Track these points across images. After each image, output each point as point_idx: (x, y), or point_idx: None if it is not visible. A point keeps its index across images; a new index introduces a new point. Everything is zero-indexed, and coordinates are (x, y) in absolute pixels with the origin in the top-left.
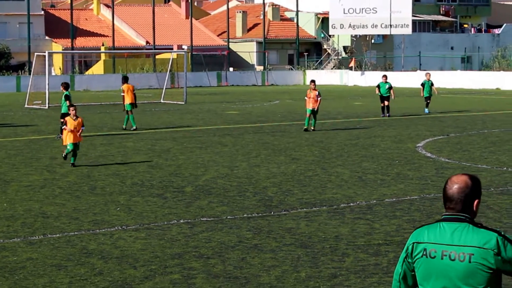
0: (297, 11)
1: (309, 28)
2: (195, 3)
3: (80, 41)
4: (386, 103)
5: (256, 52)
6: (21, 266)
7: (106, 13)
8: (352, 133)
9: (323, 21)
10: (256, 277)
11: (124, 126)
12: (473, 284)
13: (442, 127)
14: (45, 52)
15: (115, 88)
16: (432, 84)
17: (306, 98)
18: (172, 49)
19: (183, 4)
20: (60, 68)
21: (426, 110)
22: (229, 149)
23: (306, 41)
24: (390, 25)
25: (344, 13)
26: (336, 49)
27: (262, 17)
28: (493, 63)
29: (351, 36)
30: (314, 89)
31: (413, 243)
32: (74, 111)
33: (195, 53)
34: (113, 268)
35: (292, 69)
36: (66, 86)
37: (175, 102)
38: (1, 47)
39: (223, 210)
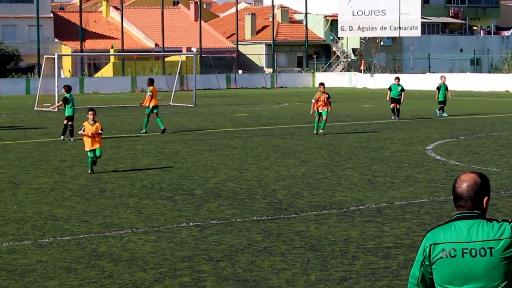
0: (306, 13)
1: (318, 30)
2: (204, 6)
3: (89, 44)
4: (397, 106)
5: (265, 54)
6: (31, 268)
7: (115, 15)
8: (361, 136)
9: (332, 23)
10: (266, 280)
11: (144, 130)
12: (496, 277)
13: (451, 129)
14: (54, 55)
15: (124, 91)
16: (446, 88)
17: (313, 101)
18: (181, 51)
19: (192, 6)
20: (69, 71)
21: (442, 113)
22: (238, 152)
23: (315, 43)
24: (399, 27)
25: (353, 15)
26: (345, 51)
27: (271, 19)
28: (503, 66)
29: (360, 38)
30: (324, 92)
31: (431, 244)
32: (92, 115)
33: (204, 55)
34: (123, 271)
35: (301, 72)
36: (67, 88)
37: (184, 105)
38: (11, 50)
39: (232, 212)
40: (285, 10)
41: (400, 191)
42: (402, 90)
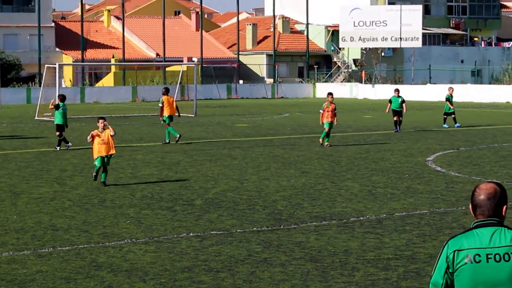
0: (307, 24)
1: (319, 40)
2: (205, 16)
3: (91, 53)
4: (399, 118)
5: (266, 64)
6: (31, 278)
7: (116, 25)
8: (362, 147)
9: (333, 33)
10: None
11: (167, 140)
12: None
13: (452, 141)
14: (55, 64)
15: (125, 100)
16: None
17: (321, 111)
18: (182, 61)
19: (193, 16)
20: (70, 80)
21: (457, 125)
22: (239, 162)
23: (316, 53)
24: (400, 38)
25: (354, 26)
26: (346, 62)
27: (272, 29)
28: (503, 77)
29: (361, 49)
30: (332, 102)
31: (454, 251)
32: (102, 123)
33: (205, 65)
34: (122, 281)
35: (302, 82)
36: (62, 98)
37: (185, 115)
38: (12, 59)
39: (232, 223)
40: (286, 20)
41: (400, 202)
42: (403, 101)
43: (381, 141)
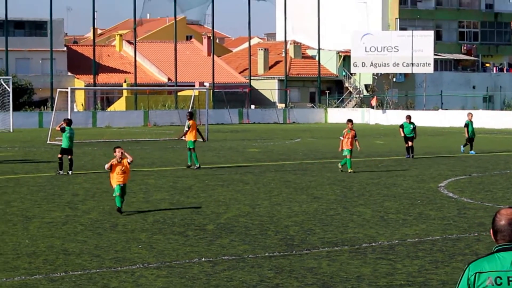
0: (319, 49)
1: (330, 66)
2: (217, 40)
3: (102, 78)
4: (410, 143)
5: (278, 89)
6: None
7: (128, 49)
8: (374, 172)
9: (345, 59)
10: None
11: (188, 164)
12: None
13: (464, 167)
14: (67, 88)
15: (136, 125)
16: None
17: (341, 138)
18: (193, 86)
19: (205, 41)
20: (82, 104)
21: (463, 150)
22: (250, 187)
23: (328, 79)
24: (412, 64)
25: (365, 51)
26: (358, 87)
27: (283, 54)
28: None
29: (373, 74)
30: (352, 129)
31: (476, 273)
32: (120, 153)
33: (217, 90)
34: None
35: (313, 107)
36: (68, 122)
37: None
38: (24, 83)
39: (244, 248)
40: (297, 45)
41: (412, 228)
42: (414, 127)
43: (393, 166)
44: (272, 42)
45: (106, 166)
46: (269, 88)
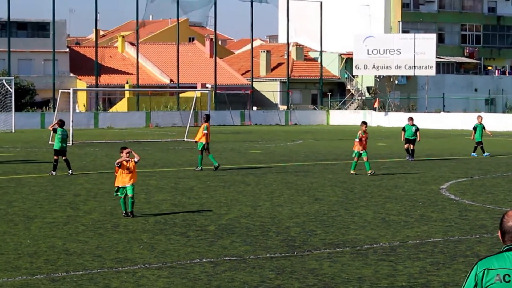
0: (321, 51)
1: (332, 68)
2: (219, 42)
3: (105, 79)
4: (411, 146)
5: (280, 91)
6: None
7: (130, 51)
8: (375, 174)
9: (347, 61)
10: None
11: (216, 164)
12: None
13: (465, 169)
14: (69, 89)
15: (138, 126)
16: (483, 128)
17: (357, 140)
18: (196, 87)
19: (207, 42)
20: (84, 105)
21: (474, 154)
22: (252, 189)
23: (330, 81)
24: (414, 66)
25: (368, 53)
26: (360, 89)
27: (286, 56)
28: None
29: (375, 76)
30: (366, 132)
31: (484, 269)
32: (127, 154)
33: (219, 91)
34: None
35: (315, 109)
36: (60, 123)
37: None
38: (26, 84)
39: (246, 249)
40: (300, 47)
41: (414, 230)
42: (417, 130)
43: (395, 168)
44: (274, 44)
45: (117, 161)
46: (271, 90)
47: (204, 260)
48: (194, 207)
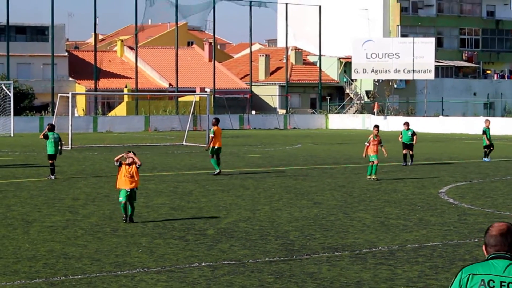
0: (320, 55)
1: (331, 72)
2: (218, 46)
3: (103, 83)
4: (410, 152)
5: (279, 95)
6: None
7: (129, 55)
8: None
9: (346, 65)
10: None
11: (218, 170)
12: None
13: (464, 173)
14: (68, 93)
15: (137, 130)
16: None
17: (366, 144)
18: (194, 91)
19: (206, 47)
20: (83, 109)
21: (486, 159)
22: (251, 192)
23: (329, 85)
24: (413, 70)
25: (367, 57)
26: (359, 93)
27: (285, 60)
28: None
29: (374, 80)
30: (378, 135)
31: (469, 274)
32: (131, 158)
33: (218, 95)
34: None
35: (314, 113)
36: (51, 127)
37: (197, 145)
38: (25, 88)
39: (244, 253)
40: (299, 52)
41: (412, 234)
42: (413, 134)
43: (394, 172)
44: (273, 48)
45: (116, 158)
46: (270, 94)
47: (203, 264)
48: (193, 211)
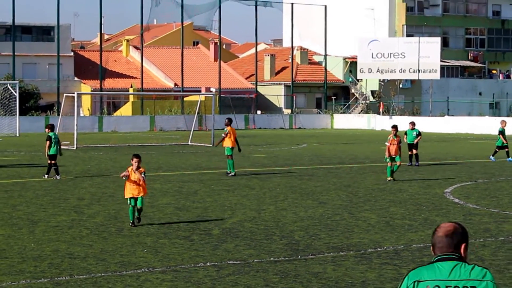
0: (325, 55)
1: (337, 72)
2: (224, 46)
3: (109, 83)
4: (414, 151)
5: (284, 95)
6: None
7: (135, 55)
8: (379, 178)
9: (351, 65)
10: None
11: (227, 171)
12: None
13: (470, 173)
14: (74, 93)
15: (143, 130)
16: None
17: (387, 144)
18: (200, 91)
19: (211, 46)
20: (88, 109)
21: (509, 159)
22: (256, 192)
23: (334, 85)
24: (418, 70)
25: (372, 57)
26: (364, 93)
27: (290, 60)
28: None
29: (379, 80)
30: (397, 135)
31: (414, 281)
32: (137, 163)
33: (223, 95)
34: None
35: (319, 113)
36: (50, 127)
37: (202, 145)
38: (31, 88)
39: (250, 253)
40: (304, 51)
41: (418, 234)
42: (418, 134)
43: (399, 172)
44: (278, 48)
45: (122, 174)
46: (275, 93)
47: (208, 263)
48: (198, 211)
